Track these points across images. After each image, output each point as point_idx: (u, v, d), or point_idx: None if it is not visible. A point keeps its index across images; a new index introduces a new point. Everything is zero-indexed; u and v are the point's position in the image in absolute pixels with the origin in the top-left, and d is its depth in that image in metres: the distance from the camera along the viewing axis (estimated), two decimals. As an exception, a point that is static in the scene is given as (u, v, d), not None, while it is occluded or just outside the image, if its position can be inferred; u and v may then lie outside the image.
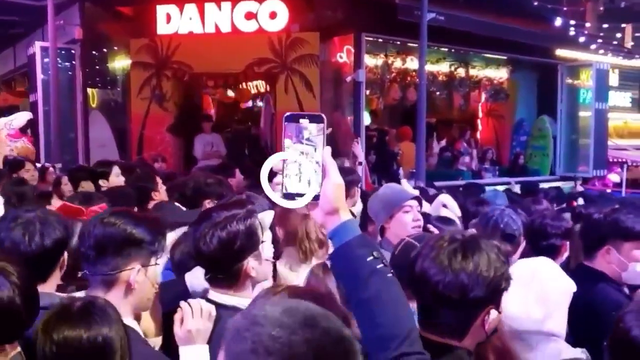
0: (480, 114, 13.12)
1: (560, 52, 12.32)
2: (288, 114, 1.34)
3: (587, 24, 12.37)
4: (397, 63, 10.89)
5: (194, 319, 1.87)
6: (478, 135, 13.17)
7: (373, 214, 3.16)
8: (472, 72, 12.23)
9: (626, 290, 2.78)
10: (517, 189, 8.95)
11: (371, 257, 1.28)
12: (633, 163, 17.01)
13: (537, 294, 1.95)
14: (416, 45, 10.45)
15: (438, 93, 11.39)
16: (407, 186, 4.48)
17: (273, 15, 9.50)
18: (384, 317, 1.25)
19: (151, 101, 9.92)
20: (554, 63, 12.52)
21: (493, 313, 1.44)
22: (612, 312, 2.22)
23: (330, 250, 1.78)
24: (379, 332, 1.25)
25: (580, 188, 11.54)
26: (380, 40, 10.40)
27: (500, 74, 12.72)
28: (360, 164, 6.52)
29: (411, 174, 10.70)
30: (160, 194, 4.24)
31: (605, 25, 12.16)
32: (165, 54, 9.75)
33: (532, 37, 11.26)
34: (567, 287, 2.00)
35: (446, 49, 11.33)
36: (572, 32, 10.83)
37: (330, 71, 10.11)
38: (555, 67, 12.58)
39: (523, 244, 2.98)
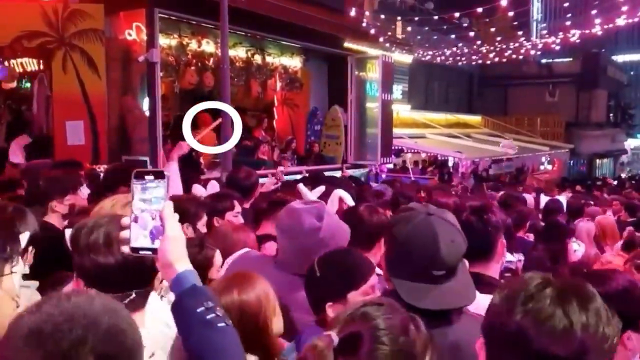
0: (276, 103, 13.01)
1: (350, 44, 12.71)
2: (136, 171, 1.41)
3: (367, 14, 13.00)
4: (193, 45, 10.18)
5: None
6: (274, 124, 13.04)
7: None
8: (268, 59, 12.02)
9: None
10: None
11: (202, 308, 1.31)
12: (408, 150, 18.64)
13: None
14: (211, 26, 9.98)
15: (236, 79, 10.92)
16: (307, 193, 3.84)
17: (46, -19, 8.15)
18: None
19: None
20: (344, 54, 12.89)
21: None
22: None
23: None
24: None
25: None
26: (173, 18, 9.56)
27: (294, 63, 12.74)
28: None
29: (213, 163, 10.16)
30: None
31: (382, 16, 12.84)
32: None
33: (325, 25, 11.44)
34: None
35: (243, 34, 10.91)
36: (364, 24, 11.22)
37: (118, 49, 9.03)
38: (345, 58, 12.96)
39: None
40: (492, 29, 20.98)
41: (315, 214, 2.33)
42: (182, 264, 1.37)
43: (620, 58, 41.77)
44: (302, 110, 13.30)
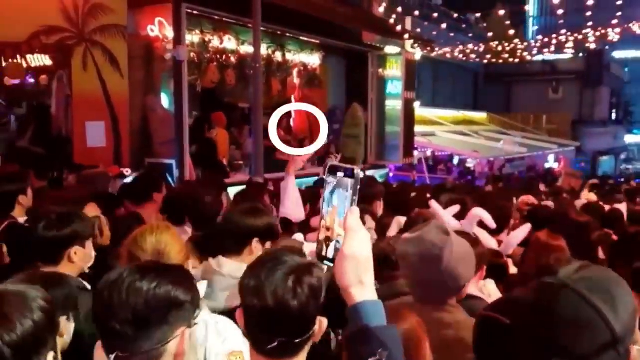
0: (294, 102, 12.57)
1: (371, 41, 12.32)
2: (331, 164, 1.21)
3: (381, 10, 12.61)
4: (215, 41, 9.74)
5: None
6: (292, 123, 12.61)
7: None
8: (288, 56, 11.60)
9: None
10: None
11: (374, 358, 1.09)
12: (421, 149, 18.28)
13: None
14: (233, 22, 9.61)
15: (257, 77, 10.46)
16: (440, 210, 3.44)
17: (65, -26, 7.71)
18: None
19: None
20: (364, 50, 12.49)
21: None
22: None
23: None
24: None
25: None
26: (195, 13, 9.11)
27: (314, 60, 12.33)
28: None
29: (236, 166, 9.78)
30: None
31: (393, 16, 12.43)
32: None
33: (348, 20, 11.10)
34: None
35: (264, 29, 10.46)
36: (392, 21, 10.81)
37: (141, 46, 8.61)
38: (365, 55, 12.57)
39: None
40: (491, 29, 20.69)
41: None
42: (360, 290, 1.15)
43: (617, 55, 41.65)
44: (321, 109, 12.88)
